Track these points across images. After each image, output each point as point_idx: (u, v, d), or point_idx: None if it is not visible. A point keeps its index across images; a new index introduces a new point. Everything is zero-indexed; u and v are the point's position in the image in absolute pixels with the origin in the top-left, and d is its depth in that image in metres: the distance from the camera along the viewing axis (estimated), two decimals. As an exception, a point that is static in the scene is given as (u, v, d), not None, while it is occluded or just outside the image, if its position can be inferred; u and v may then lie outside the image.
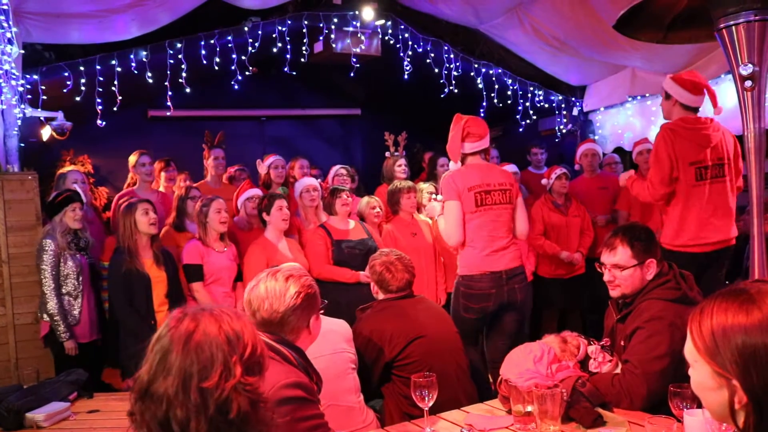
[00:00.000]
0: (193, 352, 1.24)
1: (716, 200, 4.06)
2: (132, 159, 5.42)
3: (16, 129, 4.58)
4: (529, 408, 2.27)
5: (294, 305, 2.10)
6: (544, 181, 5.66)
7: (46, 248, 4.07)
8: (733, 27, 3.06)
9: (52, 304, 4.05)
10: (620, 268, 2.63)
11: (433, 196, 5.62)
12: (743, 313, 1.25)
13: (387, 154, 6.27)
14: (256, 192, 5.01)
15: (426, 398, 2.36)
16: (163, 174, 5.76)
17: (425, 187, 5.47)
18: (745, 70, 3.07)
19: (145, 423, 1.27)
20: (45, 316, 4.12)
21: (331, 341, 2.82)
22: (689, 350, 1.33)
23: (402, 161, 5.90)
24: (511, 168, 5.69)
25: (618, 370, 2.56)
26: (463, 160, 4.11)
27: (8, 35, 4.27)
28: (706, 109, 4.18)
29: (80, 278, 4.19)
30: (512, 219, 4.11)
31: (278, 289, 2.11)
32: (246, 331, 1.32)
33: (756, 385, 1.21)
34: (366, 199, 5.28)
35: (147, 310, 4.07)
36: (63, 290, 4.13)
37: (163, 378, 1.25)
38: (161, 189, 5.71)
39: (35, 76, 4.74)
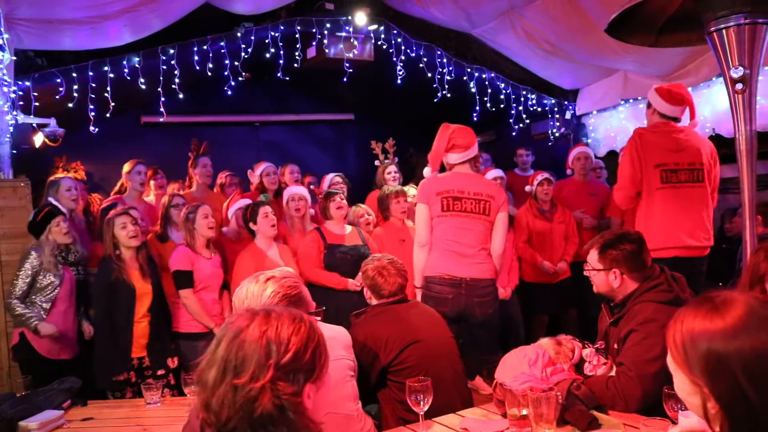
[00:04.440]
0: (235, 349, 1.35)
1: (688, 204, 4.06)
2: (127, 167, 5.34)
3: (8, 136, 4.58)
4: (525, 411, 2.26)
5: (269, 305, 2.09)
6: (528, 188, 5.63)
7: (29, 258, 4.03)
8: (724, 30, 3.08)
9: (16, 308, 3.98)
10: (590, 267, 2.75)
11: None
12: (707, 321, 1.27)
13: (376, 162, 6.25)
14: (247, 202, 4.98)
15: (421, 403, 2.36)
16: (152, 182, 5.73)
17: (407, 190, 5.47)
18: (736, 72, 3.09)
19: (199, 405, 1.39)
20: (15, 321, 4.04)
21: (331, 348, 2.81)
22: (669, 358, 1.36)
23: (392, 168, 5.85)
24: (496, 173, 5.68)
25: (612, 373, 2.56)
26: (450, 169, 4.11)
27: (0, 42, 4.26)
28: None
29: (56, 292, 4.10)
30: (488, 232, 4.02)
31: (256, 291, 2.13)
32: (295, 338, 1.39)
33: (723, 392, 1.23)
34: (354, 208, 5.25)
35: (126, 322, 4.00)
36: (30, 299, 4.05)
37: (209, 367, 1.37)
38: (151, 197, 5.68)
39: (27, 83, 4.74)
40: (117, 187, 5.59)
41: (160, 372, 4.09)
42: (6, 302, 4.05)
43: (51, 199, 4.43)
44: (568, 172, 6.08)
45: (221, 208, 5.18)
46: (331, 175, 6.04)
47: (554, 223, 5.54)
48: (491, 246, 4.05)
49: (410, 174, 6.87)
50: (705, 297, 1.32)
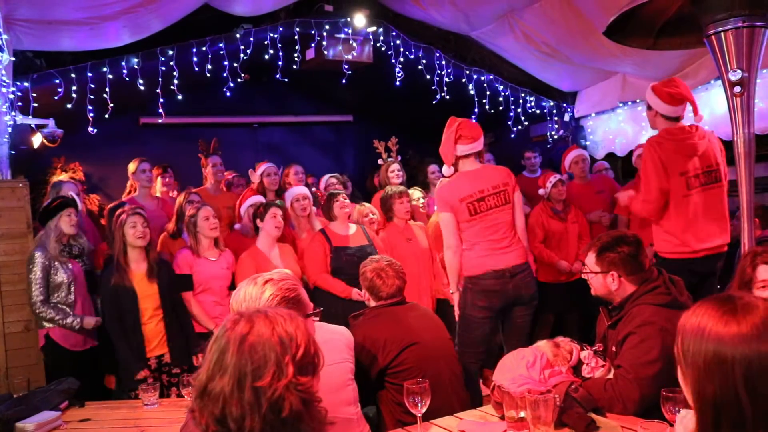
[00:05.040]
0: (248, 353, 1.30)
1: (710, 207, 4.05)
2: (132, 166, 5.39)
3: (6, 136, 4.56)
4: (522, 414, 2.26)
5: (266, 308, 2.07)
6: (541, 191, 5.63)
7: (35, 260, 4.04)
8: (722, 33, 3.09)
9: (45, 312, 4.02)
10: (588, 270, 2.77)
11: (421, 200, 5.59)
12: (722, 323, 1.27)
13: (380, 161, 6.26)
14: (260, 199, 5.00)
15: (419, 405, 2.36)
16: (159, 180, 5.74)
17: (411, 192, 5.45)
18: (734, 75, 3.10)
19: (204, 419, 1.32)
20: (46, 324, 4.07)
21: (333, 350, 2.80)
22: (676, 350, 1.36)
23: (395, 166, 5.84)
24: None
25: (610, 376, 2.57)
26: (456, 162, 4.12)
27: (-1, 43, 4.26)
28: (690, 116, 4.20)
29: (72, 288, 4.14)
30: (513, 217, 4.11)
31: (254, 293, 2.11)
32: (300, 333, 1.36)
33: (717, 392, 1.24)
34: (357, 207, 5.25)
35: (134, 324, 4.02)
36: (52, 301, 4.08)
37: (220, 377, 1.30)
38: (157, 195, 5.69)
39: (26, 84, 4.73)
40: (127, 189, 5.59)
41: (175, 370, 4.09)
42: (33, 311, 4.08)
43: (72, 193, 4.47)
44: (565, 176, 6.07)
45: (235, 206, 5.21)
46: (326, 177, 6.04)
47: (568, 222, 5.57)
48: (516, 226, 4.14)
49: (409, 175, 6.85)
50: (728, 297, 1.32)
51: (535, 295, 4.18)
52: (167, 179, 5.87)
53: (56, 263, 4.10)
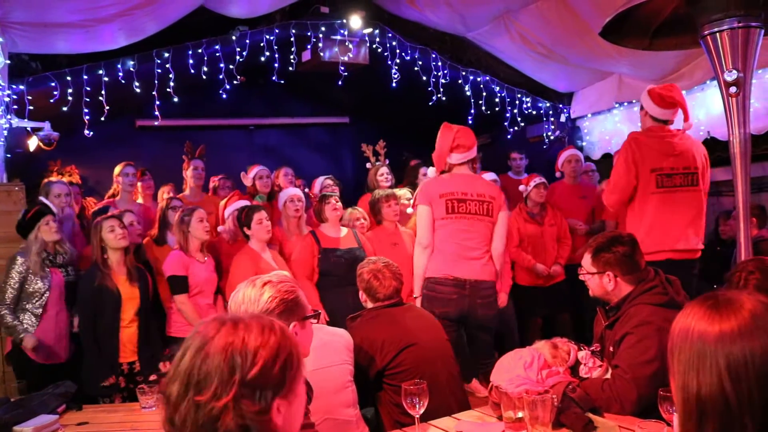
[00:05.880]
0: (198, 363, 1.25)
1: (682, 208, 4.03)
2: (117, 169, 5.39)
3: (2, 140, 4.56)
4: (520, 414, 2.26)
5: (267, 310, 2.05)
6: (521, 188, 5.58)
7: (15, 265, 4.00)
8: (718, 34, 3.10)
9: (7, 317, 3.97)
10: (584, 271, 2.76)
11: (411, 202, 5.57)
12: (705, 320, 1.29)
13: (368, 165, 6.24)
14: (245, 203, 4.95)
15: (417, 406, 2.35)
16: (139, 184, 5.70)
17: (402, 193, 5.42)
18: (730, 76, 3.11)
19: (163, 419, 1.29)
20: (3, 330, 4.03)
21: (333, 352, 2.80)
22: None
23: (384, 170, 5.80)
24: (489, 176, 5.66)
25: (608, 376, 2.57)
26: (450, 169, 4.11)
27: (-6, 46, 4.26)
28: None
29: (45, 296, 4.07)
30: (490, 233, 4.06)
31: (253, 295, 2.09)
32: (263, 352, 1.27)
33: (703, 385, 1.25)
34: (349, 210, 5.20)
35: (112, 327, 3.98)
36: (20, 306, 4.03)
37: (173, 382, 1.26)
38: (140, 200, 5.67)
39: (22, 87, 4.72)
40: (111, 191, 5.58)
41: (152, 377, 4.00)
42: (4, 324, 4.02)
43: (42, 199, 4.40)
44: (557, 174, 6.07)
45: (215, 211, 5.16)
46: (321, 178, 6.02)
47: (545, 226, 5.51)
48: (492, 245, 4.07)
49: (403, 177, 6.85)
50: (712, 295, 1.33)
51: (491, 319, 4.07)
52: (146, 182, 5.82)
53: (35, 273, 4.04)
